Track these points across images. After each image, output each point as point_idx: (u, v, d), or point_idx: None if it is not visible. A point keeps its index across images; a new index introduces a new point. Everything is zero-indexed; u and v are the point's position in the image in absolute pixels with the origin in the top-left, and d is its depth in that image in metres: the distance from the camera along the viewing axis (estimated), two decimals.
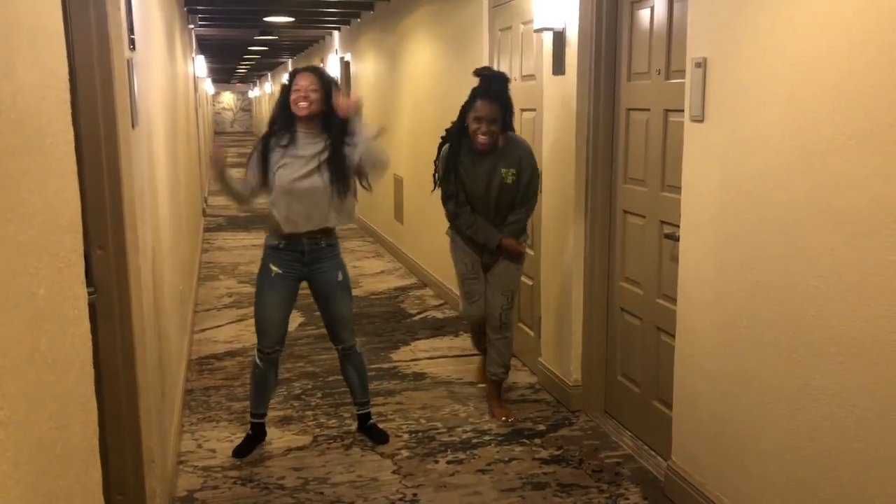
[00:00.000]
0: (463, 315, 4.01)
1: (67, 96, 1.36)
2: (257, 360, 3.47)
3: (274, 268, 3.38)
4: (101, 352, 2.31)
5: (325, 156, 3.28)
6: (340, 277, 3.46)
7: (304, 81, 3.29)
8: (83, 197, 1.74)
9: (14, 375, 0.97)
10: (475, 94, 3.58)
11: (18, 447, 0.97)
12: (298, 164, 3.28)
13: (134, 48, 2.68)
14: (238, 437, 3.61)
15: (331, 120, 3.30)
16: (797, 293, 2.30)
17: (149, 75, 3.33)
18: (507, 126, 3.63)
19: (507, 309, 3.78)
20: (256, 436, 3.51)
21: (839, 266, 2.14)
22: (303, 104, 3.27)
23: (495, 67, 4.84)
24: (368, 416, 3.66)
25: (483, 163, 3.63)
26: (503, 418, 3.78)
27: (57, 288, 1.24)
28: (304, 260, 3.37)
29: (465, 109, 3.62)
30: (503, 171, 3.60)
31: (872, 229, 2.03)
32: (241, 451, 3.44)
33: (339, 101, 3.24)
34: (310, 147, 3.30)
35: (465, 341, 4.96)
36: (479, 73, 3.64)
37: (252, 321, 5.46)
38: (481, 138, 3.54)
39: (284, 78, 3.49)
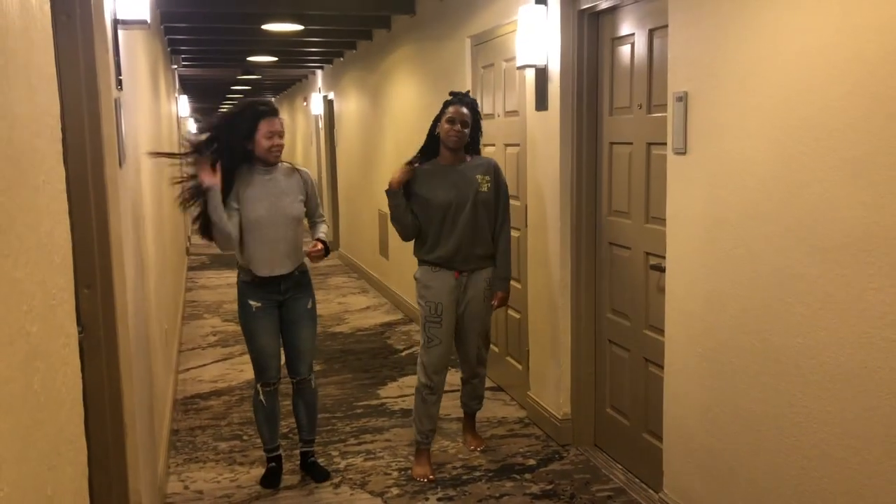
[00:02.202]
0: (423, 364, 3.59)
1: (59, 134, 1.36)
2: (261, 398, 3.46)
3: (253, 303, 3.37)
4: (88, 391, 2.28)
5: (296, 194, 3.38)
6: (310, 305, 3.49)
7: (274, 126, 3.27)
8: (71, 235, 1.73)
9: (8, 414, 0.96)
10: (446, 103, 3.62)
11: (12, 487, 0.96)
12: (272, 200, 3.31)
13: (121, 88, 2.69)
14: (225, 477, 3.56)
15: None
16: (783, 322, 2.32)
17: (135, 115, 3.34)
18: (474, 147, 3.68)
19: (482, 348, 3.75)
20: (280, 466, 3.56)
21: (823, 294, 2.17)
22: (277, 153, 3.31)
23: (478, 104, 4.89)
24: (312, 453, 3.64)
25: (461, 174, 3.58)
26: (472, 447, 3.84)
27: (49, 326, 1.23)
28: (280, 289, 3.39)
29: (436, 120, 3.63)
30: (479, 177, 3.59)
31: (855, 258, 2.06)
32: (272, 483, 3.48)
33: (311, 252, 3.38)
34: (276, 184, 3.34)
35: (452, 376, 4.93)
36: (452, 93, 3.70)
37: (238, 360, 5.47)
38: (453, 136, 3.53)
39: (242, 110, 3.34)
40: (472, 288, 3.61)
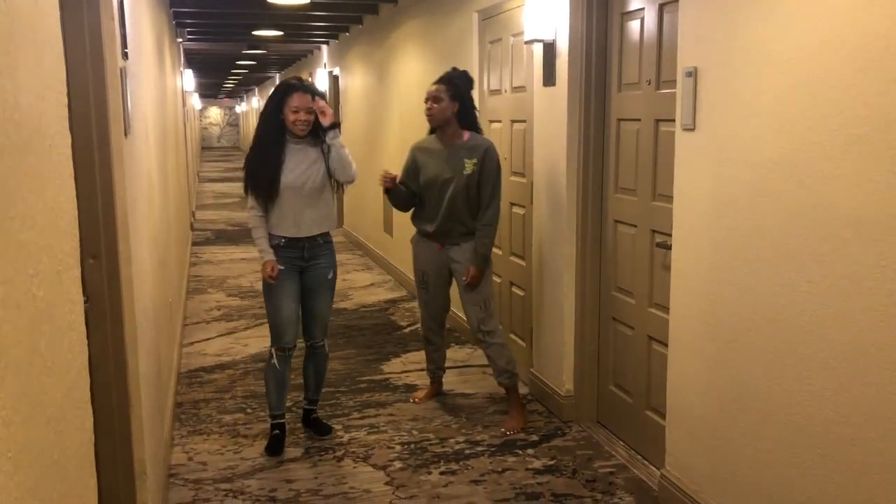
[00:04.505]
0: (421, 319, 4.17)
1: (65, 99, 1.35)
2: (275, 362, 3.58)
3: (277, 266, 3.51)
4: (93, 361, 2.27)
5: (321, 162, 3.52)
6: (330, 275, 3.64)
7: (301, 102, 3.43)
8: (76, 204, 1.72)
9: (15, 375, 0.96)
10: None
11: (20, 448, 0.96)
12: (300, 171, 3.48)
13: (126, 58, 2.67)
14: (229, 449, 3.58)
15: (317, 128, 3.53)
16: (789, 299, 2.32)
17: (140, 87, 3.32)
18: (466, 122, 3.82)
19: (483, 318, 3.82)
20: (283, 434, 3.64)
21: (830, 272, 2.16)
22: (302, 127, 3.45)
23: (485, 79, 4.86)
24: (314, 411, 3.82)
25: (452, 153, 3.78)
26: (502, 429, 3.77)
27: (55, 291, 1.23)
28: (303, 256, 3.54)
29: None
30: (466, 160, 3.76)
31: (863, 235, 2.05)
32: (275, 450, 3.55)
33: (326, 111, 3.49)
34: (306, 154, 3.51)
35: (456, 353, 4.95)
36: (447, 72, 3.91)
37: (242, 334, 5.49)
38: (428, 115, 3.79)
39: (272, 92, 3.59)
40: (459, 259, 3.83)
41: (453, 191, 3.75)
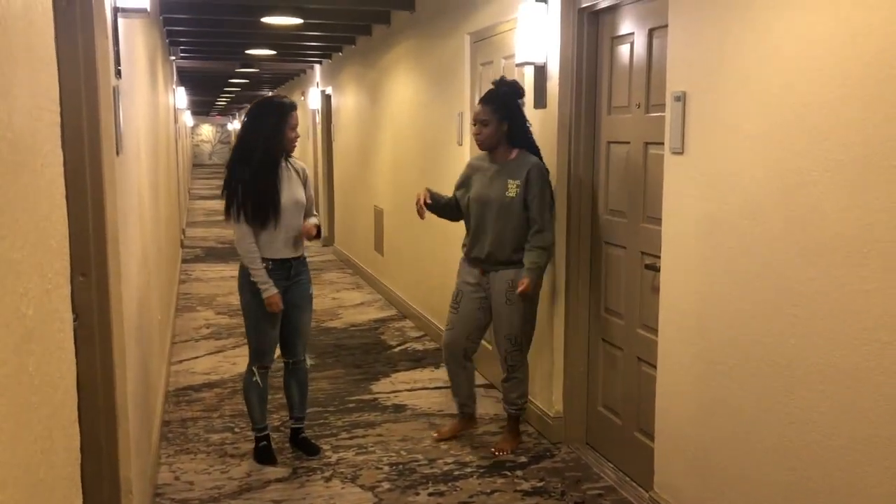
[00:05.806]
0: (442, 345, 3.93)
1: (58, 118, 1.36)
2: (256, 379, 3.61)
3: None
4: (81, 379, 2.26)
5: (299, 178, 3.60)
6: (311, 291, 3.71)
7: (296, 120, 3.51)
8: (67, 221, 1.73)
9: (2, 394, 0.96)
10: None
11: (5, 468, 0.96)
12: (289, 189, 3.52)
13: (120, 77, 2.69)
14: (216, 469, 3.56)
15: None
16: (777, 322, 2.33)
17: (132, 105, 3.33)
18: (513, 139, 3.61)
19: (510, 352, 3.69)
20: (270, 444, 3.69)
21: (817, 295, 2.18)
22: (295, 144, 3.53)
23: (476, 101, 4.88)
24: (302, 430, 3.82)
25: (497, 173, 3.61)
26: (492, 449, 3.76)
27: (44, 310, 1.23)
28: (289, 275, 3.57)
29: None
30: (510, 182, 3.56)
31: (849, 259, 2.07)
32: (267, 458, 3.62)
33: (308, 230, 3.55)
34: (289, 172, 3.58)
35: (443, 373, 4.93)
36: (494, 81, 3.72)
37: (231, 352, 5.46)
38: (476, 138, 3.67)
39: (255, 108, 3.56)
40: (495, 287, 3.66)
41: (495, 213, 3.56)
